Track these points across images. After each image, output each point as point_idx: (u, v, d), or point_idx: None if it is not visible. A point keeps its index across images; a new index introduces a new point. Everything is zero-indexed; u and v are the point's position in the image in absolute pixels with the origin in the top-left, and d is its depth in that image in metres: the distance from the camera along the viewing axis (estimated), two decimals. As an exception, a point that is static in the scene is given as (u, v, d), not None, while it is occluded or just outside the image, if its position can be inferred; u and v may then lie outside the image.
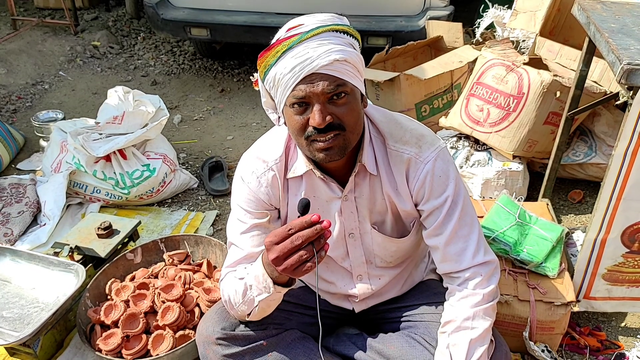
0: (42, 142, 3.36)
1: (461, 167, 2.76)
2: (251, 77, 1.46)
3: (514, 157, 2.71)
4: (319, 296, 1.79)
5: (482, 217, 2.24)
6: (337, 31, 1.30)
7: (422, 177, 1.48)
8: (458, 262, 1.51)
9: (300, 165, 1.51)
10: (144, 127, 2.90)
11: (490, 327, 1.51)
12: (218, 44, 4.74)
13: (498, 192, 2.67)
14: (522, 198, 2.54)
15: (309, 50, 1.26)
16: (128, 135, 2.80)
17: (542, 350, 1.96)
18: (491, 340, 1.52)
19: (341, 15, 1.36)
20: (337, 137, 1.33)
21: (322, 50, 1.26)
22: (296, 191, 1.56)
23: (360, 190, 1.53)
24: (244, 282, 1.48)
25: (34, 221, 2.80)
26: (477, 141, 2.84)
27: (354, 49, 1.33)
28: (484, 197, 2.69)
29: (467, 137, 2.88)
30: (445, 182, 1.49)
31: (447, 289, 1.59)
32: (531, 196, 2.83)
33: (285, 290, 1.44)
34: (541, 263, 2.01)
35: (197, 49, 4.80)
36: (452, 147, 2.86)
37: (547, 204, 2.44)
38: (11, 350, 2.11)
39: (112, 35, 5.23)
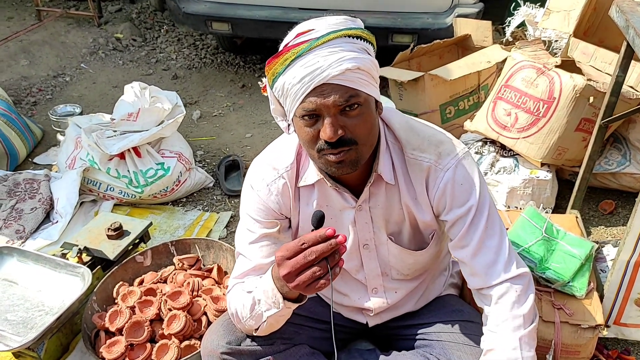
0: (59, 137, 3.34)
1: (486, 173, 2.63)
2: (259, 83, 1.37)
3: (542, 164, 2.58)
4: (326, 309, 1.72)
5: (507, 229, 2.12)
6: (349, 36, 1.21)
7: (443, 185, 1.39)
8: (489, 276, 1.41)
9: (312, 173, 1.43)
10: (159, 124, 2.84)
11: (535, 354, 1.40)
12: (239, 38, 4.66)
13: (524, 202, 2.54)
14: (549, 210, 2.42)
15: (319, 59, 1.17)
16: (143, 132, 2.74)
17: (567, 375, 1.85)
18: None
19: (355, 17, 1.27)
20: (348, 152, 1.25)
21: (333, 59, 1.17)
22: (308, 200, 1.48)
23: (375, 199, 1.45)
24: (252, 295, 1.40)
25: (47, 218, 2.77)
26: (503, 147, 2.71)
27: (368, 54, 1.25)
28: (509, 207, 2.56)
29: (493, 142, 2.75)
30: (469, 189, 1.39)
31: (470, 305, 1.49)
32: (559, 205, 2.69)
33: (296, 306, 1.36)
34: (568, 282, 1.89)
35: (219, 43, 4.73)
36: (476, 153, 2.74)
37: (577, 217, 2.30)
38: (17, 353, 2.07)
39: (135, 28, 5.19)
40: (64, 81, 4.38)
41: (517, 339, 1.36)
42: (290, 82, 1.20)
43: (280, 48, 1.23)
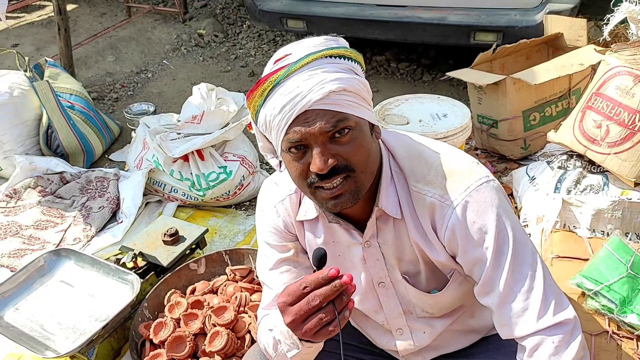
0: (133, 135, 3.40)
1: (569, 191, 2.36)
2: (243, 120, 1.25)
3: (636, 184, 2.27)
4: (367, 351, 1.58)
5: (586, 260, 1.88)
6: (331, 56, 1.07)
7: (452, 224, 1.19)
8: (517, 327, 1.20)
9: (311, 208, 1.29)
10: (224, 127, 2.80)
11: None
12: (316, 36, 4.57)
13: (612, 226, 2.25)
14: (641, 239, 2.12)
15: (299, 84, 1.04)
16: (206, 136, 2.71)
17: None
18: None
19: (336, 36, 1.14)
20: (346, 181, 1.11)
21: (314, 82, 1.04)
22: (316, 234, 1.34)
23: (384, 235, 1.28)
24: (272, 335, 1.30)
25: (113, 217, 2.82)
26: (591, 162, 2.42)
27: (355, 74, 1.10)
28: (594, 231, 2.28)
29: (581, 156, 2.46)
30: (483, 228, 1.18)
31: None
32: (656, 230, 2.37)
33: (318, 345, 1.23)
34: (656, 329, 1.63)
35: (298, 39, 4.66)
36: (560, 167, 2.47)
37: (674, 249, 2.00)
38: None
39: (218, 23, 5.24)
40: (145, 77, 4.49)
41: None
42: (271, 114, 1.08)
43: (260, 78, 1.11)
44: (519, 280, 1.19)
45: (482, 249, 1.19)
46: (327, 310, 1.03)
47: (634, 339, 1.66)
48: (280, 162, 1.20)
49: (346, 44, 1.13)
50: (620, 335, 1.68)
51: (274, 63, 1.10)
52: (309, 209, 1.30)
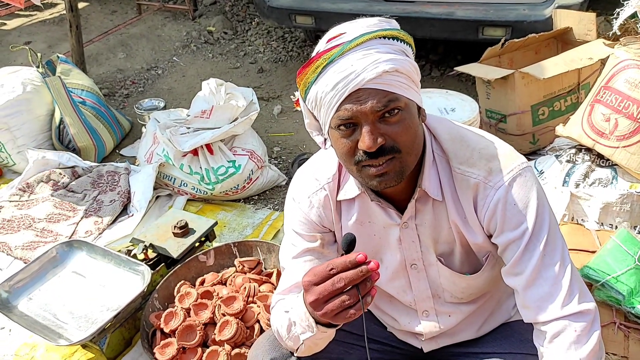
0: (144, 130, 3.44)
1: (577, 185, 2.36)
2: (292, 97, 1.27)
3: (645, 178, 2.27)
4: (379, 327, 1.60)
5: (594, 252, 1.88)
6: (384, 37, 1.10)
7: (493, 205, 1.23)
8: (542, 311, 1.22)
9: (352, 187, 1.32)
10: (233, 121, 2.83)
11: None
12: (324, 32, 4.59)
13: (621, 219, 2.25)
14: (649, 231, 2.12)
15: (353, 63, 1.07)
16: (215, 130, 2.74)
17: None
18: None
19: (389, 18, 1.15)
20: (392, 161, 1.13)
21: (368, 62, 1.06)
22: (349, 215, 1.37)
23: (422, 217, 1.30)
24: (288, 317, 1.32)
25: (124, 210, 2.85)
26: (600, 156, 2.42)
27: (407, 56, 1.13)
28: (602, 224, 2.28)
29: (589, 150, 2.46)
30: (523, 210, 1.21)
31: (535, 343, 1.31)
32: (665, 224, 2.37)
33: (332, 330, 1.25)
34: (663, 320, 1.64)
35: (307, 36, 4.69)
36: (569, 161, 2.47)
37: (682, 242, 2.00)
38: (82, 344, 2.14)
39: (228, 20, 5.27)
40: (156, 74, 4.53)
41: None
42: (323, 91, 1.10)
43: (312, 56, 1.13)
44: (549, 265, 1.22)
45: (520, 230, 1.22)
46: (350, 293, 1.06)
47: (641, 330, 1.67)
48: (325, 139, 1.24)
49: (397, 25, 1.15)
50: (627, 326, 1.69)
51: (327, 42, 1.12)
52: (349, 189, 1.32)
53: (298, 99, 1.24)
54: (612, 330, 1.68)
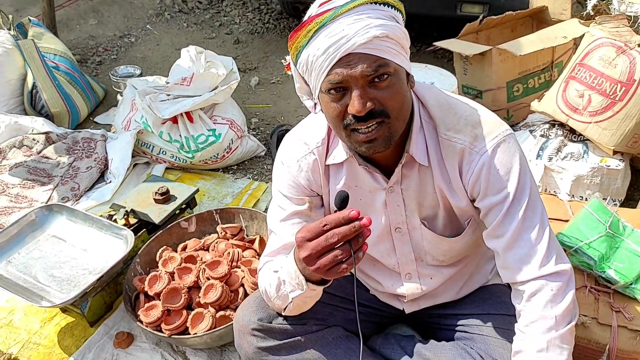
0: (119, 98, 3.38)
1: (551, 158, 2.45)
2: (282, 61, 1.29)
3: (615, 152, 2.37)
4: (362, 290, 1.65)
5: (567, 221, 1.97)
6: (376, 3, 1.12)
7: (477, 170, 1.28)
8: (520, 271, 1.29)
9: (341, 151, 1.35)
10: (213, 90, 2.81)
11: (570, 357, 1.28)
12: (301, 3, 4.55)
13: (591, 192, 2.35)
14: (617, 203, 2.22)
15: (344, 27, 1.09)
16: (195, 98, 2.72)
17: (620, 383, 1.70)
18: None
19: None
20: (380, 126, 1.17)
21: (359, 27, 1.09)
22: (337, 179, 1.41)
23: (408, 182, 1.35)
24: (277, 275, 1.36)
25: (101, 177, 2.82)
26: (572, 130, 2.51)
27: (397, 22, 1.15)
28: (573, 196, 2.38)
29: (562, 124, 2.55)
30: (506, 176, 1.27)
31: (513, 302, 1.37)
32: (631, 197, 2.48)
33: (320, 288, 1.30)
34: (630, 284, 1.73)
35: (283, 8, 4.65)
36: (542, 135, 2.55)
37: (648, 212, 2.10)
38: (63, 307, 2.13)
39: (202, -11, 5.18)
40: (129, 42, 4.44)
41: (545, 341, 1.25)
42: (314, 55, 1.12)
43: (304, 20, 1.15)
44: (529, 228, 1.28)
45: (502, 195, 1.27)
46: (342, 249, 1.09)
47: (611, 293, 1.76)
48: (316, 104, 1.25)
49: None
50: (598, 290, 1.78)
51: (319, 6, 1.14)
52: (338, 153, 1.36)
53: (289, 62, 1.26)
54: (584, 294, 1.76)
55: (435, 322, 1.64)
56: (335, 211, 1.11)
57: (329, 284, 1.30)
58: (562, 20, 3.06)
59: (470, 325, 1.54)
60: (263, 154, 3.07)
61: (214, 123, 2.81)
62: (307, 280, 1.25)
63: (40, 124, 2.98)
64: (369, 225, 1.08)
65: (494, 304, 1.56)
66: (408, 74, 1.22)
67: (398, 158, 1.32)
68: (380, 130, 1.17)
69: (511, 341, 1.42)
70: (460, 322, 1.57)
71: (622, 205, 2.40)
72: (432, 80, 2.75)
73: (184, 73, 2.79)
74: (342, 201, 1.11)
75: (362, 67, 1.10)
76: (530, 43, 2.86)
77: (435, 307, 1.61)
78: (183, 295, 1.92)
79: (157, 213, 2.28)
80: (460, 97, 1.38)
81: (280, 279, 1.34)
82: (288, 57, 1.25)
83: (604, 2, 3.16)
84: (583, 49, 2.48)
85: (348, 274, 1.14)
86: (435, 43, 3.07)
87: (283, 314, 1.46)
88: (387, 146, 1.20)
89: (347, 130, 1.19)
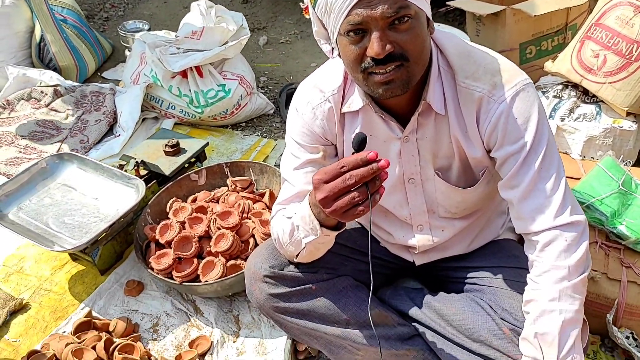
0: (127, 53, 3.35)
1: (563, 119, 2.43)
2: (300, 4, 1.26)
3: (628, 113, 2.35)
4: (373, 243, 1.65)
5: (579, 179, 1.96)
6: None
7: (495, 119, 1.26)
8: (535, 222, 1.28)
9: (357, 99, 1.33)
10: (223, 44, 2.78)
11: (582, 307, 1.28)
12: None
13: (602, 153, 2.34)
14: (630, 162, 2.21)
15: None
16: (205, 52, 2.69)
17: (627, 337, 1.72)
18: (583, 319, 1.30)
19: None
20: (399, 69, 1.14)
21: None
22: (352, 128, 1.39)
23: (423, 131, 1.33)
24: (291, 221, 1.35)
25: (110, 131, 2.81)
26: (586, 92, 2.48)
27: None
28: (584, 157, 2.37)
29: (575, 86, 2.52)
30: (524, 125, 1.25)
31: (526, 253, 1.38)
32: (643, 160, 2.47)
33: (334, 233, 1.29)
34: (642, 240, 1.74)
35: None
36: (555, 96, 2.53)
37: (660, 173, 2.10)
38: (73, 256, 2.15)
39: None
40: (136, -2, 4.38)
41: (557, 290, 1.25)
42: None
43: None
44: (545, 178, 1.26)
45: (519, 144, 1.25)
46: (359, 191, 1.08)
47: (621, 249, 1.77)
48: (333, 48, 1.23)
49: None
50: (608, 246, 1.78)
51: None
52: (354, 100, 1.33)
53: (307, 5, 1.23)
54: (594, 249, 1.77)
55: (445, 275, 1.65)
56: (353, 153, 1.10)
57: (342, 230, 1.30)
58: (579, -19, 3.00)
59: (480, 278, 1.54)
60: (272, 112, 3.05)
61: (223, 78, 2.78)
62: (322, 225, 1.25)
63: (48, 77, 2.96)
64: (387, 168, 1.07)
65: (504, 257, 1.56)
66: (428, 20, 1.19)
67: (414, 107, 1.30)
68: (398, 72, 1.15)
69: (521, 292, 1.43)
70: (470, 275, 1.57)
71: (634, 167, 2.39)
72: (444, 40, 2.72)
73: (194, 27, 2.76)
74: (360, 143, 1.09)
75: (382, 7, 1.07)
76: (545, 4, 2.81)
77: (445, 259, 1.61)
78: (194, 243, 1.93)
79: (167, 165, 2.28)
80: (480, 46, 1.35)
81: (294, 225, 1.33)
82: (306, 0, 1.22)
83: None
84: (600, 8, 2.44)
85: (363, 216, 1.12)
86: (448, 2, 3.02)
87: (295, 260, 1.46)
88: (404, 90, 1.18)
89: (364, 73, 1.16)
